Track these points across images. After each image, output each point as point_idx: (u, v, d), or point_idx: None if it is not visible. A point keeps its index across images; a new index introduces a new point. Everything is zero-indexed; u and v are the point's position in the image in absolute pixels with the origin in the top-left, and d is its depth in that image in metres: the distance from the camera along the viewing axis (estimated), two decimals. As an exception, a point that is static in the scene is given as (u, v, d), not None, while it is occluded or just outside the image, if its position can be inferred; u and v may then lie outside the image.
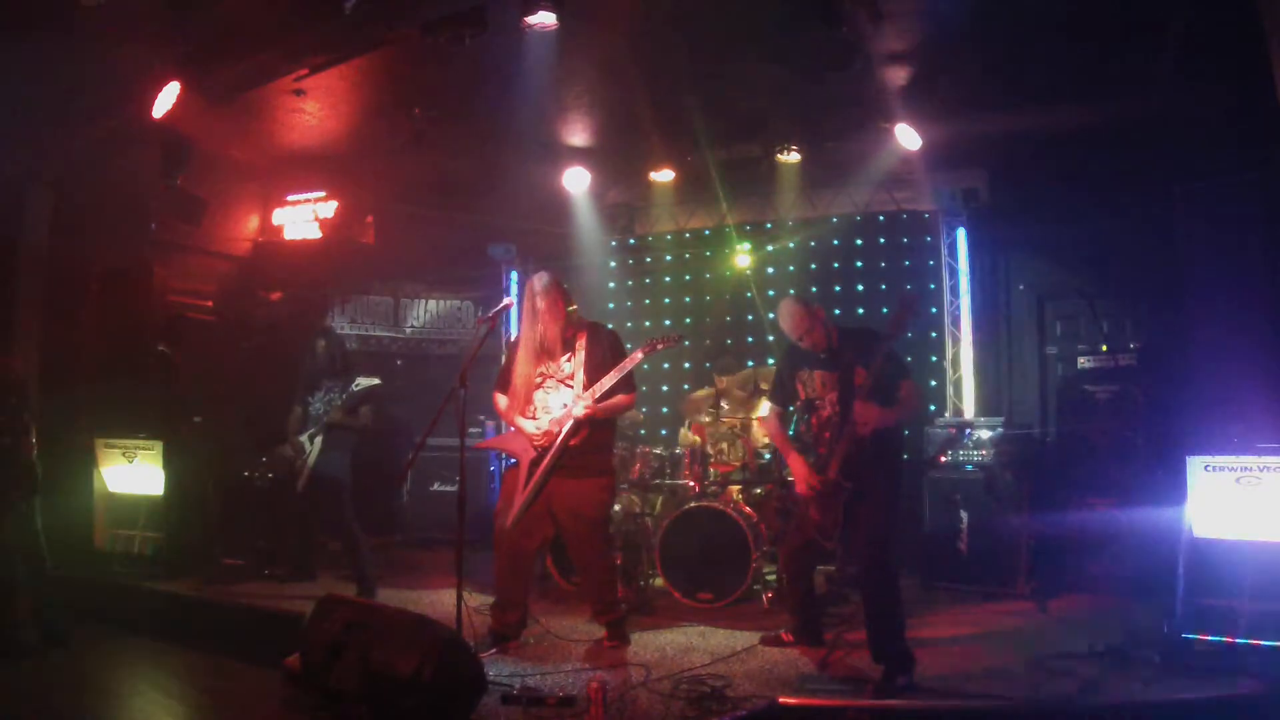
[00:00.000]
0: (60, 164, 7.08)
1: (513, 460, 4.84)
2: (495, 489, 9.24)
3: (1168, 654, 4.26)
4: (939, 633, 5.07)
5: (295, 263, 9.16)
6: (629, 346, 4.77)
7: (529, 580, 4.97)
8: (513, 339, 4.97)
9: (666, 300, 9.47)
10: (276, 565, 6.59)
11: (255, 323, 8.86)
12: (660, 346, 4.70)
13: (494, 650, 4.64)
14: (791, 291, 8.80)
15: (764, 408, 4.93)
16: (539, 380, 4.73)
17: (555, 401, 4.71)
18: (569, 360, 4.73)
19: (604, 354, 4.71)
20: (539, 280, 4.73)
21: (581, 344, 4.74)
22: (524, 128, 7.43)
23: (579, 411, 4.56)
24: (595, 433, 4.67)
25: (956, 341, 7.63)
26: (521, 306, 4.82)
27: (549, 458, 4.62)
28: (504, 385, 4.87)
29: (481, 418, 8.81)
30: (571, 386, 4.68)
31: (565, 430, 4.60)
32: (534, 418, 4.73)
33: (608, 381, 4.58)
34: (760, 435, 6.56)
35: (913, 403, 4.41)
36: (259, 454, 7.12)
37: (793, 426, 4.82)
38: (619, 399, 4.67)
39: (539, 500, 4.65)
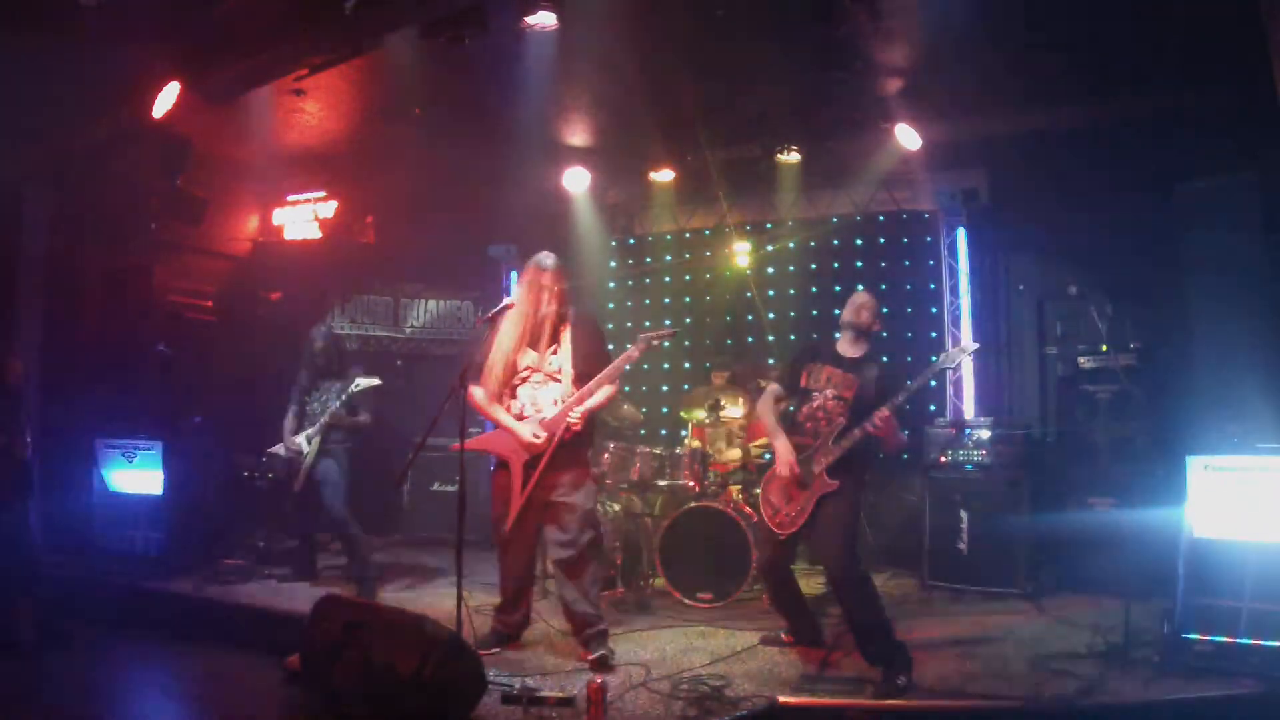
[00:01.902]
0: (60, 164, 7.08)
1: (497, 459, 4.63)
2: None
3: (1168, 654, 4.26)
4: (939, 633, 5.07)
5: (295, 263, 9.17)
6: (627, 346, 4.55)
7: (532, 581, 4.89)
8: (490, 329, 4.63)
9: (666, 300, 9.48)
10: (276, 565, 6.59)
11: (255, 323, 8.85)
12: (655, 342, 4.51)
13: (495, 650, 4.60)
14: (792, 292, 8.84)
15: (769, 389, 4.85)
16: (525, 375, 4.52)
17: (545, 398, 4.50)
18: (554, 353, 4.51)
19: (590, 345, 4.53)
20: (548, 259, 4.50)
21: (565, 335, 4.52)
22: (524, 128, 7.43)
23: (574, 415, 4.37)
24: (583, 429, 4.50)
25: (956, 342, 7.62)
26: (522, 287, 4.55)
27: (545, 459, 4.42)
28: (483, 377, 4.60)
29: (482, 418, 8.81)
30: (559, 381, 4.48)
31: (560, 432, 4.41)
32: (521, 415, 4.52)
33: (603, 381, 4.40)
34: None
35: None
36: (258, 454, 7.12)
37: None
38: (609, 391, 4.49)
39: (533, 498, 4.49)
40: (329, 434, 5.91)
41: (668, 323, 9.29)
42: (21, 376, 5.54)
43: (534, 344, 4.51)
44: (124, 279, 7.76)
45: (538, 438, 4.44)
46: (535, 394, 4.53)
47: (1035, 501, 6.07)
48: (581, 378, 4.44)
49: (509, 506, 4.52)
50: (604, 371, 4.42)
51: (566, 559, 4.50)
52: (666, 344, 4.97)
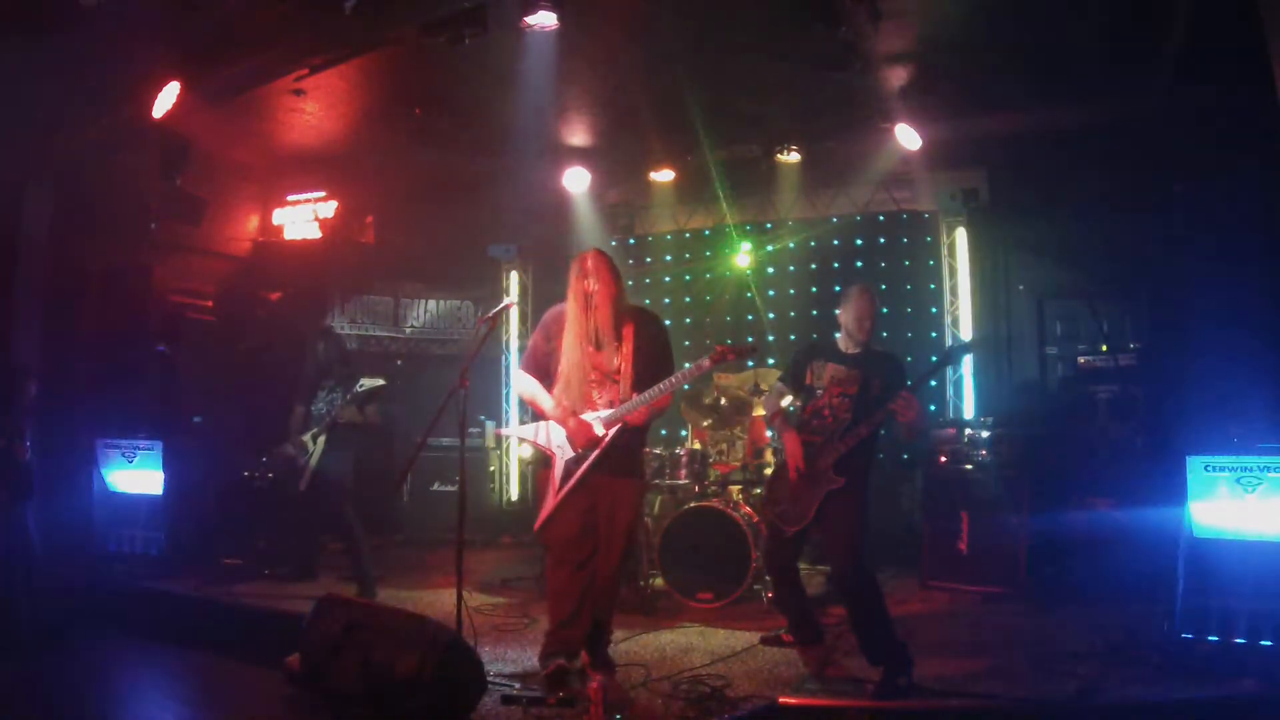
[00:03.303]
0: (60, 164, 7.08)
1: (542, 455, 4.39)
2: (495, 489, 9.26)
3: (1168, 654, 4.26)
4: (939, 633, 5.07)
5: (295, 263, 9.17)
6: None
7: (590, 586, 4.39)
8: (547, 315, 4.42)
9: (666, 300, 9.48)
10: (276, 565, 6.59)
11: (255, 323, 8.86)
12: (731, 357, 4.16)
13: (553, 667, 4.10)
14: (792, 292, 8.85)
15: (774, 387, 4.80)
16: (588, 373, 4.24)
17: (599, 397, 4.23)
18: (615, 352, 4.24)
19: (655, 348, 4.28)
20: (591, 259, 4.22)
21: (629, 334, 4.24)
22: (524, 128, 7.43)
23: (634, 413, 4.12)
24: (637, 433, 4.28)
25: (957, 342, 7.63)
26: (570, 286, 4.26)
27: (592, 459, 4.17)
28: (537, 367, 4.35)
29: (481, 417, 8.81)
30: (618, 382, 4.21)
31: (613, 432, 4.15)
32: (577, 413, 4.25)
33: (666, 389, 4.10)
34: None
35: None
36: (259, 454, 7.12)
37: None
38: (663, 399, 4.20)
39: (582, 498, 4.20)
40: (334, 433, 5.90)
41: (668, 323, 9.25)
42: (30, 396, 5.55)
43: (595, 344, 4.24)
44: (124, 279, 7.75)
45: (586, 435, 4.18)
46: (590, 393, 4.26)
47: (1035, 501, 6.07)
48: (640, 381, 4.18)
49: (546, 503, 4.26)
50: (670, 379, 4.13)
51: (601, 573, 4.30)
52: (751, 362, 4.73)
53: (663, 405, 4.30)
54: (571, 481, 4.20)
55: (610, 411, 4.21)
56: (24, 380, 5.40)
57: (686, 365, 4.22)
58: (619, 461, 4.24)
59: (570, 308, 4.27)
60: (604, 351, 4.27)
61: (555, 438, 4.30)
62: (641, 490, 4.48)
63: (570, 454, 4.26)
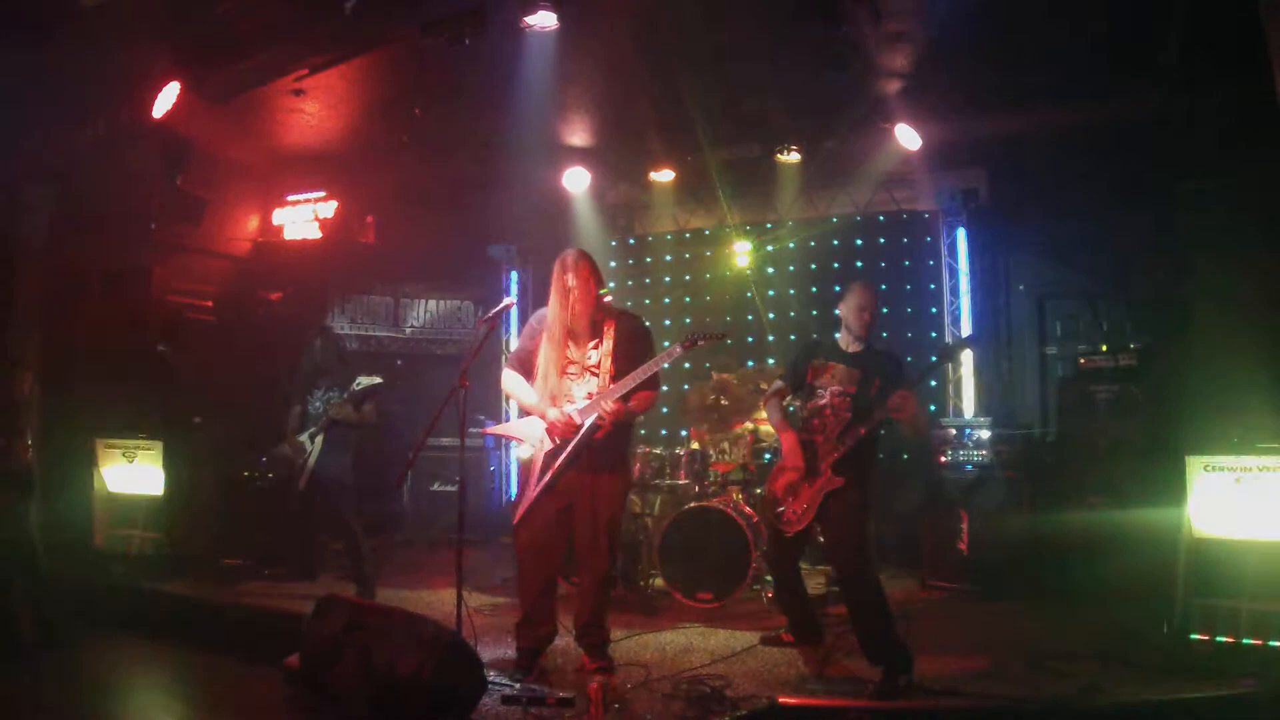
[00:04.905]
0: (60, 164, 7.07)
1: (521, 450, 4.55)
2: (495, 489, 9.26)
3: (1168, 654, 4.26)
4: (939, 633, 5.07)
5: (295, 263, 9.17)
6: (666, 344, 4.43)
7: (556, 589, 4.52)
8: (533, 316, 4.58)
9: (666, 300, 9.48)
10: (276, 565, 6.58)
11: (255, 323, 8.86)
12: (701, 343, 4.31)
13: (528, 677, 4.20)
14: (792, 292, 8.85)
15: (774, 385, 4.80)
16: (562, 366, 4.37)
17: (579, 391, 4.34)
18: (595, 348, 4.37)
19: (634, 345, 4.38)
20: (571, 256, 4.37)
21: (610, 332, 4.38)
22: (524, 128, 7.43)
23: (608, 407, 4.21)
24: (619, 430, 4.35)
25: (955, 339, 7.62)
26: (551, 284, 4.41)
27: (569, 451, 4.26)
28: (522, 365, 4.48)
29: (481, 417, 8.81)
30: (597, 376, 4.33)
31: (588, 424, 4.24)
32: (555, 405, 4.35)
33: (640, 376, 4.21)
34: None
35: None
36: (259, 454, 7.11)
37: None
38: (645, 395, 4.32)
39: (557, 496, 4.30)
40: (332, 433, 5.90)
41: (667, 323, 9.29)
42: (27, 392, 5.55)
43: (575, 340, 4.37)
44: (124, 279, 7.74)
45: (563, 424, 4.26)
46: (570, 386, 4.37)
47: (1035, 501, 6.07)
48: (620, 376, 4.28)
49: (525, 497, 4.35)
50: (641, 367, 4.23)
51: (584, 567, 4.39)
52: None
53: (645, 402, 4.37)
54: (549, 474, 4.28)
55: (587, 403, 4.29)
56: (21, 371, 5.40)
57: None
58: (599, 458, 4.30)
59: (550, 303, 4.40)
60: (584, 347, 4.37)
61: (536, 431, 4.40)
62: (623, 486, 4.51)
63: (549, 446, 4.33)
